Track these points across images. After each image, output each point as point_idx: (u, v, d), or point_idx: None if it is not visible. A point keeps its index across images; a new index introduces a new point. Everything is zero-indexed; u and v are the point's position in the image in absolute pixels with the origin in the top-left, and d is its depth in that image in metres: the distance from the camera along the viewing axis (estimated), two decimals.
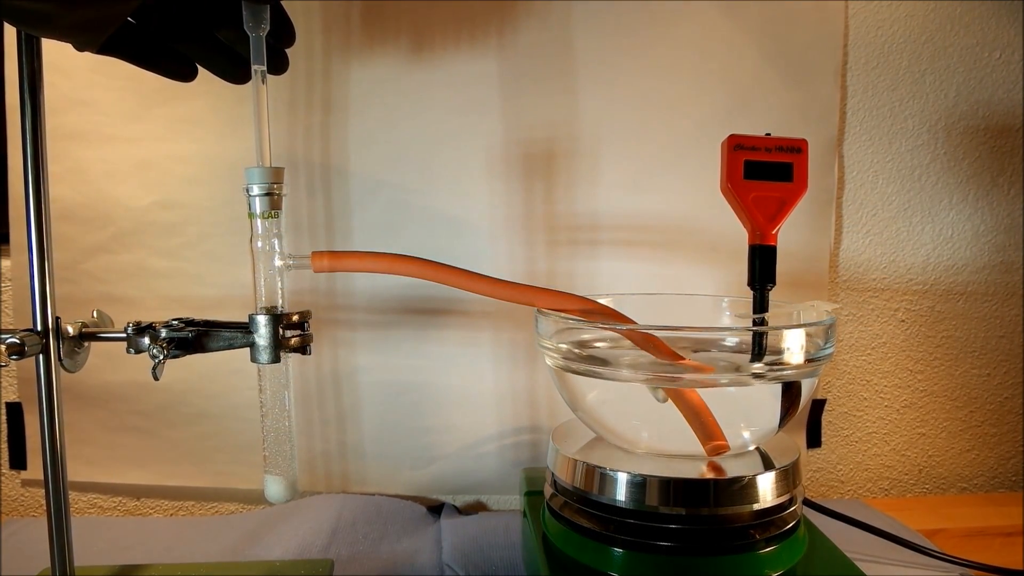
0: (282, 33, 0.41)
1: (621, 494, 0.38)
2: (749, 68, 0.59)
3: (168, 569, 0.47)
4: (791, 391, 0.39)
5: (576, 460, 0.40)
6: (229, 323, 0.39)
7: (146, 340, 0.38)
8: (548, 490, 0.43)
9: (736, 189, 0.38)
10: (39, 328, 0.37)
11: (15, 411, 0.58)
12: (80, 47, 0.34)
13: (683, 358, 0.40)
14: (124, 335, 0.38)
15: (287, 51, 0.43)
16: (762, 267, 0.38)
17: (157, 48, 0.39)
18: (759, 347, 0.37)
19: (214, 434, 0.59)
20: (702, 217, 0.59)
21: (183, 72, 0.41)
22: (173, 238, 0.56)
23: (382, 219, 0.58)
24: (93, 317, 0.40)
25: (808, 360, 0.38)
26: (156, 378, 0.37)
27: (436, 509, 0.60)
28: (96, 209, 0.56)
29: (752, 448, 0.42)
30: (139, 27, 0.37)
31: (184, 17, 0.38)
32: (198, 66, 0.41)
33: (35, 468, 0.59)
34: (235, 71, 0.41)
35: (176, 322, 0.38)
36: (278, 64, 0.42)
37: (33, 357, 0.37)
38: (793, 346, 0.37)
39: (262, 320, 0.38)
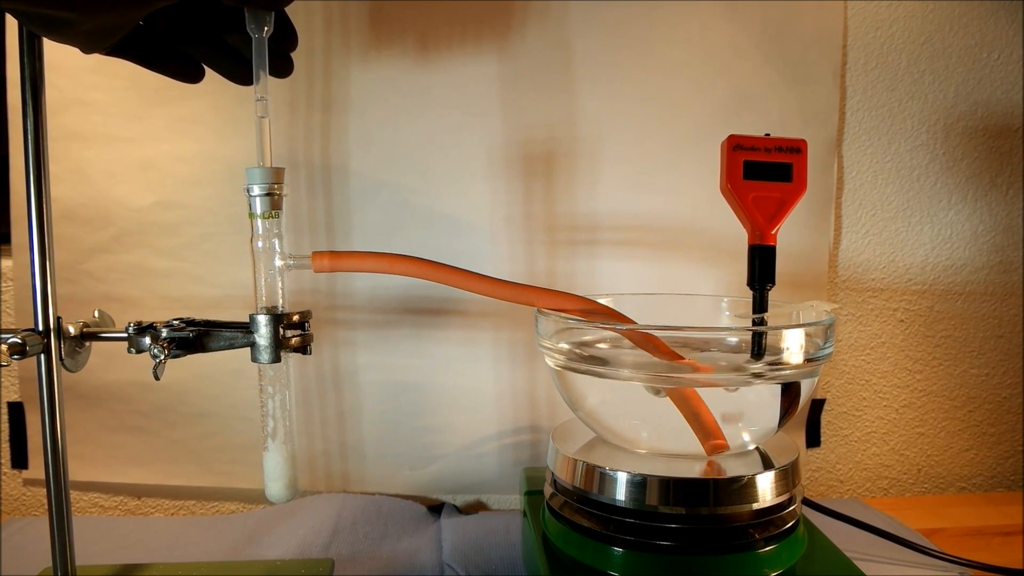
0: (282, 38, 0.41)
1: (621, 494, 0.38)
2: (749, 68, 0.59)
3: (169, 568, 0.47)
4: (790, 391, 0.40)
5: (576, 460, 0.40)
6: (230, 323, 0.39)
7: (147, 340, 0.38)
8: (548, 490, 0.43)
9: (736, 189, 0.38)
10: (40, 328, 0.37)
11: (16, 411, 0.59)
12: (89, 50, 0.34)
13: (683, 358, 0.40)
14: (125, 335, 0.38)
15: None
16: (761, 267, 0.38)
17: (164, 50, 0.39)
18: (759, 347, 0.37)
19: (215, 434, 0.59)
20: (702, 217, 0.59)
21: (190, 73, 0.41)
22: (174, 238, 0.57)
23: (382, 219, 0.58)
24: (94, 317, 0.41)
25: (807, 360, 0.38)
26: (157, 378, 0.37)
27: (436, 509, 0.60)
28: (97, 209, 0.56)
29: (751, 448, 0.42)
30: (147, 29, 0.37)
31: (191, 20, 0.38)
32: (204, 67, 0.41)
33: (36, 467, 0.59)
34: (241, 73, 0.41)
35: (177, 322, 0.38)
36: (282, 67, 0.42)
37: (34, 357, 0.37)
38: (792, 346, 0.38)
39: (263, 320, 0.38)
